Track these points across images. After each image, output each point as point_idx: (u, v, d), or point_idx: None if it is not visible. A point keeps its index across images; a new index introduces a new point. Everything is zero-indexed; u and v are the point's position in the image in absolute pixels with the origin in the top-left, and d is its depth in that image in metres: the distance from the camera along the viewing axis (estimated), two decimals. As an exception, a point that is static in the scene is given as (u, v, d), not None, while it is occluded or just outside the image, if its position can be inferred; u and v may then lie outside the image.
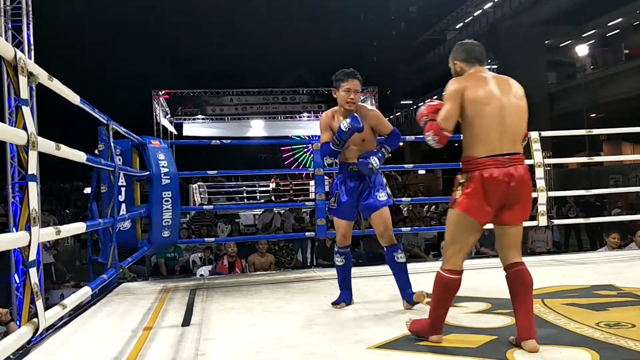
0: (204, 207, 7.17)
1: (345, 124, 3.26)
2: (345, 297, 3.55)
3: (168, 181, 4.60)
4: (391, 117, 45.90)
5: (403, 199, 7.17)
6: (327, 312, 3.40)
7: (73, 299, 2.69)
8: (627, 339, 2.56)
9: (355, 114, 3.30)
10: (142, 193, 4.95)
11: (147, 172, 4.59)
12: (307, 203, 7.43)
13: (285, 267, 8.35)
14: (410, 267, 5.12)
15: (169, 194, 4.58)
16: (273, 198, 19.56)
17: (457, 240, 2.60)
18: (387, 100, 36.11)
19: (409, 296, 3.38)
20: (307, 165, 24.13)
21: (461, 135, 2.65)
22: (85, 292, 2.91)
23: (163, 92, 18.46)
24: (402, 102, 44.27)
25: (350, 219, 3.54)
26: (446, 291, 2.61)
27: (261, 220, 12.43)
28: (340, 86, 3.44)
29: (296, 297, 3.90)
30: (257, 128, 20.70)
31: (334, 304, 3.50)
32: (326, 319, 3.24)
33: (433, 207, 14.94)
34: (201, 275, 7.33)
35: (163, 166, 4.61)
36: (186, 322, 3.28)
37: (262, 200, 19.02)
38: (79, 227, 2.95)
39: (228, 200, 19.62)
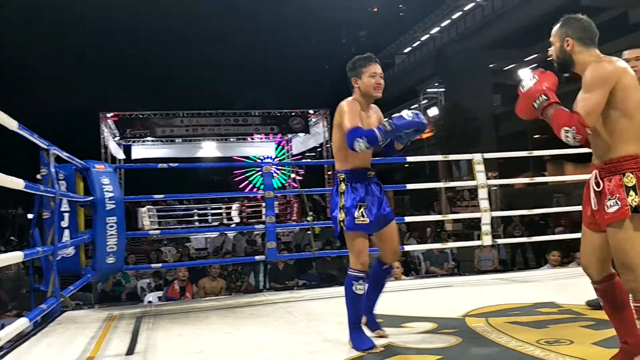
0: (150, 232, 7.04)
1: (410, 114, 2.77)
2: (369, 339, 2.91)
3: (113, 206, 4.50)
4: (343, 138, 46.31)
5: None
6: (276, 337, 3.37)
7: (7, 331, 2.59)
8: (566, 355, 2.63)
9: (419, 112, 2.84)
10: (87, 218, 4.83)
11: (91, 197, 4.49)
12: (257, 226, 7.38)
13: (235, 291, 8.26)
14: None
15: (113, 219, 4.48)
16: (225, 221, 19.37)
17: None
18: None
19: (374, 322, 3.20)
20: (260, 187, 24.06)
21: (598, 128, 2.27)
22: (21, 323, 2.80)
23: (111, 114, 18.14)
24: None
25: (375, 232, 3.08)
26: None
27: (212, 243, 12.29)
28: (362, 72, 3.00)
29: (246, 322, 3.86)
30: (208, 149, 20.54)
31: (365, 350, 2.84)
32: (275, 343, 3.21)
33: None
34: (149, 301, 7.17)
35: (108, 191, 4.51)
36: (130, 350, 3.20)
37: (215, 224, 18.80)
38: (15, 257, 2.85)
39: (179, 223, 19.32)
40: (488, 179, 5.59)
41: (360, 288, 2.90)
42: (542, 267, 7.40)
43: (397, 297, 4.53)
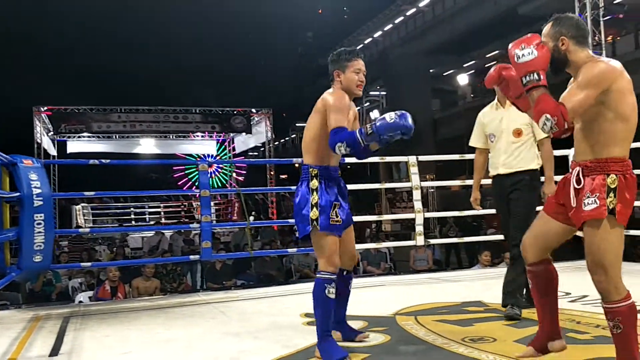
0: (80, 229, 6.82)
1: (393, 115, 2.58)
2: (339, 349, 2.67)
3: (41, 203, 4.34)
4: (287, 138, 46.48)
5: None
6: (207, 337, 3.34)
7: None
8: (488, 352, 2.72)
9: (405, 113, 2.62)
10: (14, 215, 4.64)
11: (18, 193, 4.32)
12: (192, 225, 7.27)
13: (172, 291, 8.13)
14: (300, 287, 5.21)
15: (41, 217, 4.32)
16: (163, 220, 19.05)
17: (621, 256, 2.21)
18: (282, 122, 36.51)
19: (349, 332, 3.04)
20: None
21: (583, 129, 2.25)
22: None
23: (45, 108, 17.51)
24: (297, 125, 44.91)
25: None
26: (637, 319, 2.19)
27: (148, 243, 12.03)
28: (347, 66, 2.84)
29: (177, 323, 3.81)
30: (147, 146, 20.09)
31: (343, 357, 2.62)
32: (205, 344, 3.18)
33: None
34: (80, 301, 6.95)
35: (35, 187, 4.35)
36: (55, 351, 3.10)
37: (152, 222, 18.45)
38: None
39: (116, 222, 18.87)
40: (425, 181, 5.73)
41: (332, 291, 2.69)
42: (473, 267, 7.63)
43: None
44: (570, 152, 5.86)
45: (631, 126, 2.21)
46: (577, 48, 2.26)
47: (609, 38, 16.27)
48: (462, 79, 26.04)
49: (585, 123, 2.25)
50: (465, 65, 27.31)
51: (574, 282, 4.13)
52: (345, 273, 3.00)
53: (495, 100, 3.84)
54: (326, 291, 2.67)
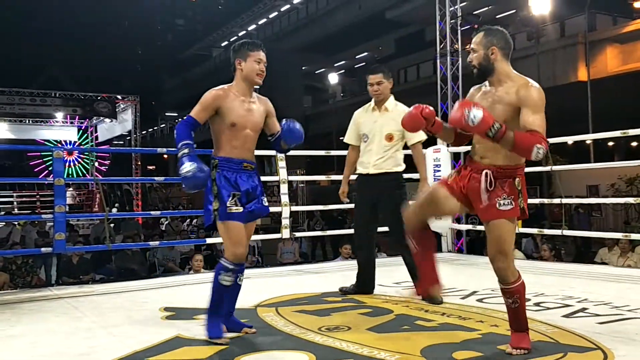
0: None
1: (189, 167, 2.69)
2: (220, 329, 2.84)
3: None
4: (155, 128, 44.93)
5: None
6: (55, 333, 3.15)
7: None
8: (342, 340, 2.83)
9: (204, 168, 2.74)
10: None
11: None
12: (44, 216, 6.76)
13: (23, 286, 7.57)
14: (163, 281, 5.08)
15: None
16: (16, 210, 17.63)
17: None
18: (151, 110, 35.22)
19: (235, 324, 3.02)
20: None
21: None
22: None
23: None
24: (167, 114, 43.61)
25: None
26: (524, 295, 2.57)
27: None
28: (248, 55, 2.94)
29: (23, 319, 3.55)
30: (-1, 130, 18.48)
31: (211, 337, 2.81)
32: (53, 340, 3.00)
33: (195, 220, 14.90)
34: None
35: None
36: None
37: (2, 213, 17.00)
38: None
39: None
40: (295, 175, 5.83)
41: (228, 280, 2.80)
42: (335, 259, 7.87)
43: (193, 290, 4.52)
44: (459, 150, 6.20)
45: None
46: (503, 60, 2.52)
47: (467, 46, 17.49)
48: (333, 78, 26.70)
49: None
50: (335, 65, 28.06)
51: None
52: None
53: (373, 104, 4.09)
54: (220, 278, 2.80)
